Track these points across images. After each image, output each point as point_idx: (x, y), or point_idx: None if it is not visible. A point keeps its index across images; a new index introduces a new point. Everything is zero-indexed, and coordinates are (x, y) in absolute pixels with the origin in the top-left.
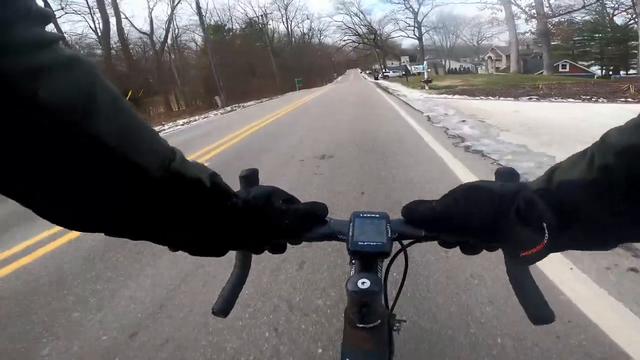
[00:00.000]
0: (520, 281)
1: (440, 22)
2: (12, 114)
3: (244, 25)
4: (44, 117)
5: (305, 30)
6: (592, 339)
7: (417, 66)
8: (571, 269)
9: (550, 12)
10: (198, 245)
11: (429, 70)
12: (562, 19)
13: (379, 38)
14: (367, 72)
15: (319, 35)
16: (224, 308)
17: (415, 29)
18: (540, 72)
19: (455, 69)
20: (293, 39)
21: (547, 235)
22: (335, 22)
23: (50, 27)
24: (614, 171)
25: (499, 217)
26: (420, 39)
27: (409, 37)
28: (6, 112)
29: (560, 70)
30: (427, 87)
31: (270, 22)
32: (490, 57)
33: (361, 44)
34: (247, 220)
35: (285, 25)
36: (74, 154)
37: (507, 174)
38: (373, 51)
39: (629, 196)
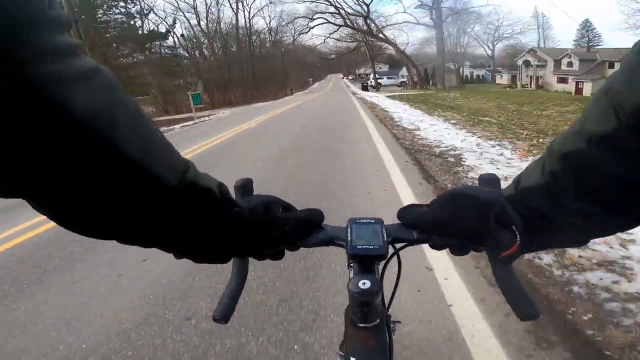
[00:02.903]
0: (506, 281)
1: (454, 9)
2: (39, 122)
3: None
4: (70, 127)
5: (269, 22)
6: None
7: (391, 77)
8: None
9: None
10: (205, 252)
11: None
12: None
13: (372, 22)
14: (350, 77)
15: (292, 31)
16: (224, 314)
17: (434, 11)
18: None
19: (467, 76)
20: (244, 31)
21: (518, 237)
22: None
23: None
24: (560, 175)
25: (481, 222)
26: (439, 25)
27: (419, 23)
28: (32, 120)
29: None
30: None
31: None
32: (527, 62)
33: (342, 26)
34: (252, 228)
35: (235, 11)
36: (97, 165)
37: (488, 180)
38: (363, 40)
39: (577, 196)
